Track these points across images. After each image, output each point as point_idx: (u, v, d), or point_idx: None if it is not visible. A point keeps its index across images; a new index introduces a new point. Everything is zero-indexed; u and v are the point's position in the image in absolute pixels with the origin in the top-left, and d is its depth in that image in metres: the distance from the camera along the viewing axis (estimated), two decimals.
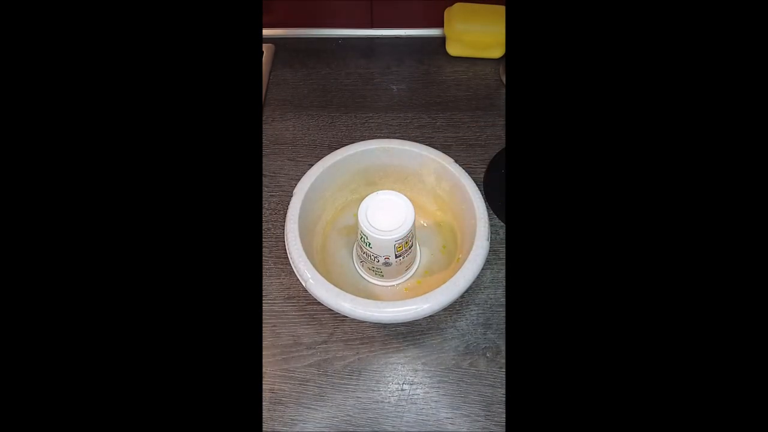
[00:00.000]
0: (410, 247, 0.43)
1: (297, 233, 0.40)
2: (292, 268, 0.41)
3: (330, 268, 0.46)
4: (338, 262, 0.47)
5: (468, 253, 0.40)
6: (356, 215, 0.40)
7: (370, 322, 0.43)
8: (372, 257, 0.42)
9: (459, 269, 0.39)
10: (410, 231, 0.40)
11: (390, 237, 0.39)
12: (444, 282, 0.38)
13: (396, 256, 0.42)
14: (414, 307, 0.37)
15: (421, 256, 0.48)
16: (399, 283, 0.47)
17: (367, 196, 0.41)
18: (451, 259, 0.46)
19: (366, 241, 0.40)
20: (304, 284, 0.39)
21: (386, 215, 0.40)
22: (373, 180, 0.49)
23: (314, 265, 0.39)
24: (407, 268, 0.46)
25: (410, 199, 0.41)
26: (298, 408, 0.40)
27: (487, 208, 0.51)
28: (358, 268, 0.47)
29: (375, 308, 0.37)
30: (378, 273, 0.45)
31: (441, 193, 0.48)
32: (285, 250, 0.41)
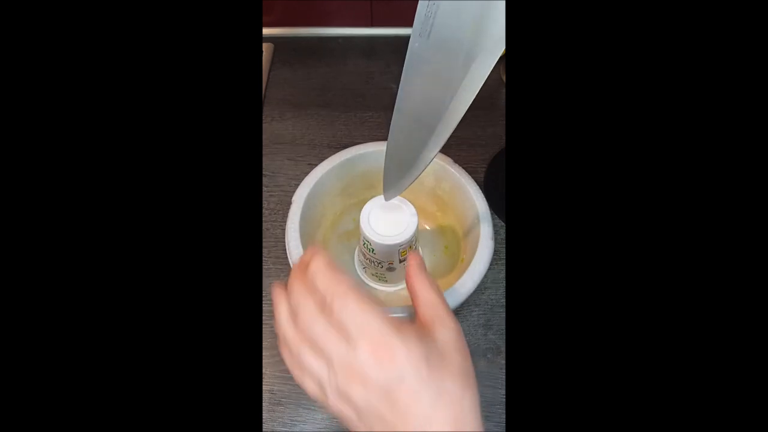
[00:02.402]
0: (414, 251, 0.42)
1: (299, 242, 0.40)
2: (291, 269, 0.40)
3: None
4: (340, 268, 0.47)
5: (473, 253, 0.40)
6: (356, 220, 0.40)
7: None
8: (376, 263, 0.42)
9: (466, 270, 0.38)
10: (414, 234, 0.40)
11: (394, 242, 0.39)
12: (449, 283, 0.38)
13: (400, 261, 0.41)
14: None
15: (424, 259, 0.48)
16: (402, 288, 0.46)
17: (365, 200, 0.41)
18: (454, 260, 0.46)
19: (369, 247, 0.40)
20: None
21: (388, 220, 0.39)
22: (371, 183, 0.48)
23: None
24: None
25: (409, 202, 0.41)
26: (298, 409, 0.40)
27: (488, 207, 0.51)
28: (360, 274, 0.47)
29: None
30: (382, 278, 0.44)
31: (441, 194, 0.48)
32: (284, 250, 0.41)
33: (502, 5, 0.19)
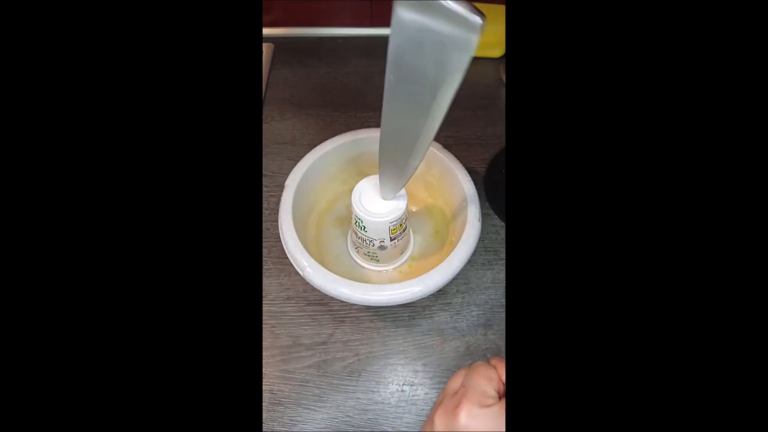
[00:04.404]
0: (404, 230, 0.43)
1: (291, 224, 0.41)
2: (291, 269, 0.41)
3: (325, 258, 0.46)
4: (333, 252, 0.48)
5: (460, 235, 0.40)
6: (348, 206, 0.41)
7: (371, 307, 0.43)
8: (367, 241, 0.42)
9: (453, 250, 0.39)
10: (404, 213, 0.40)
11: (384, 219, 0.39)
12: (438, 264, 0.39)
13: (391, 239, 0.42)
14: (410, 288, 0.37)
15: (414, 243, 0.48)
16: (393, 268, 0.47)
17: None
18: (443, 243, 0.47)
19: (361, 225, 0.41)
20: (301, 273, 0.39)
21: (379, 198, 0.40)
22: (363, 170, 0.49)
23: (310, 255, 0.39)
24: (401, 252, 0.46)
25: None
26: (298, 409, 0.40)
27: (488, 207, 0.51)
28: (353, 255, 0.48)
29: (375, 291, 0.37)
30: (374, 258, 0.45)
31: (431, 179, 0.49)
32: (284, 250, 0.41)
33: (453, 51, 0.24)
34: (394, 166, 0.35)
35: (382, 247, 0.43)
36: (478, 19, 0.22)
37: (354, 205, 0.40)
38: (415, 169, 0.35)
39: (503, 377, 0.32)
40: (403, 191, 0.40)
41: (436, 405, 0.33)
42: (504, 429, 0.28)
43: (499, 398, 0.31)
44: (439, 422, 0.30)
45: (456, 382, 0.33)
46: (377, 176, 0.41)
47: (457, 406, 0.30)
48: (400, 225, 0.41)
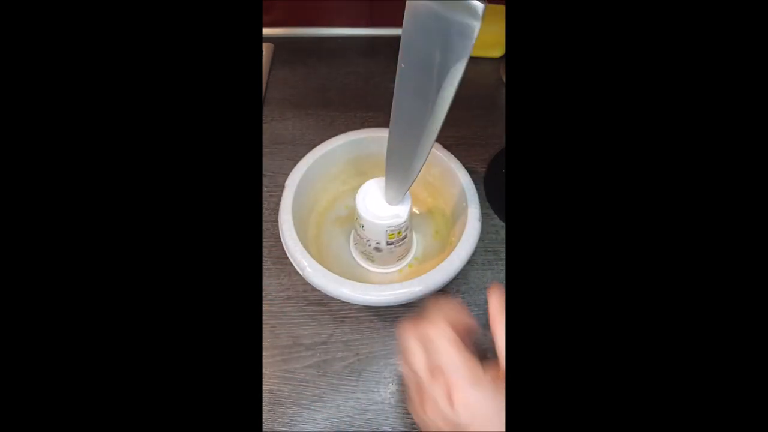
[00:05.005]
0: (403, 239, 0.43)
1: (291, 224, 0.41)
2: (291, 269, 0.41)
3: (325, 258, 0.47)
4: (333, 252, 0.48)
5: (460, 235, 0.40)
6: (348, 207, 0.41)
7: (371, 307, 0.43)
8: (364, 240, 0.42)
9: (453, 250, 0.39)
10: (404, 223, 0.40)
11: (383, 222, 0.39)
12: (438, 264, 0.39)
13: (387, 244, 0.42)
14: (410, 288, 0.37)
15: (416, 244, 0.49)
16: (390, 272, 0.47)
17: (357, 187, 0.42)
18: (444, 243, 0.47)
19: (360, 222, 0.41)
20: (301, 273, 0.39)
21: (384, 202, 0.40)
22: (363, 170, 0.49)
23: (310, 255, 0.39)
24: (399, 259, 0.46)
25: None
26: (298, 409, 0.40)
27: (488, 207, 0.51)
28: (352, 251, 0.48)
29: (375, 291, 0.37)
30: (369, 258, 0.45)
31: (431, 179, 0.49)
32: (284, 250, 0.41)
33: (457, 38, 0.24)
34: (400, 163, 0.35)
35: (377, 249, 0.43)
36: (479, 4, 0.22)
37: (357, 201, 0.40)
38: (420, 170, 0.35)
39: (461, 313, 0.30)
40: (408, 201, 0.40)
41: (410, 398, 0.30)
42: (502, 401, 0.26)
43: (464, 345, 0.28)
44: (435, 423, 0.28)
45: (418, 360, 0.29)
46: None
47: (449, 401, 0.27)
48: (399, 233, 0.41)
